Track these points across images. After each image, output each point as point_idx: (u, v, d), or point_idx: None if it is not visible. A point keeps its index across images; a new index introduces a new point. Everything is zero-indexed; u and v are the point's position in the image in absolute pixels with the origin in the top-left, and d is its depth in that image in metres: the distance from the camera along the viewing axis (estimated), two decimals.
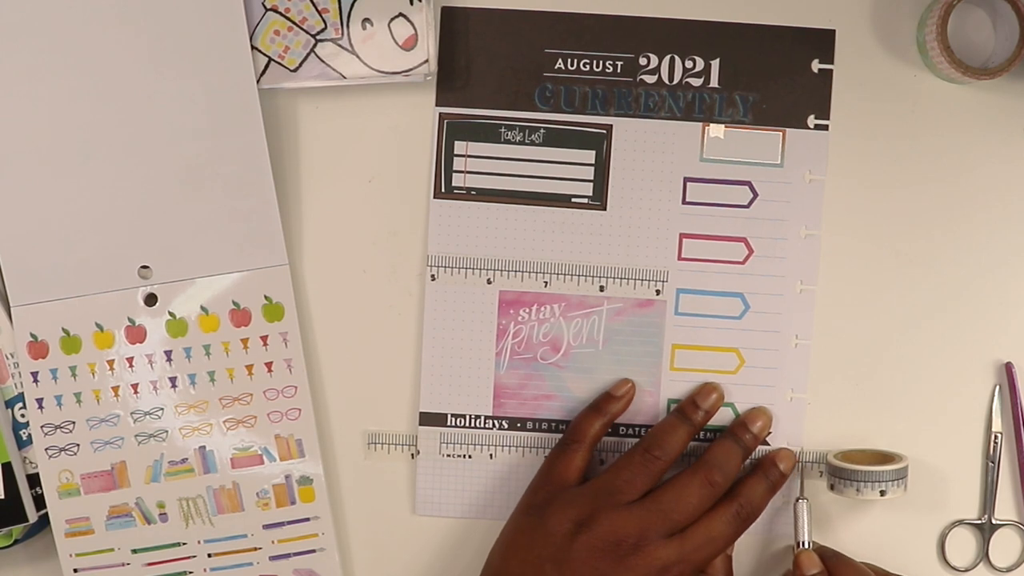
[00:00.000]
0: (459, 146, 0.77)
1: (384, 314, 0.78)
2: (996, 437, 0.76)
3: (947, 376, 0.77)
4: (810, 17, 0.76)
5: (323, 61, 0.76)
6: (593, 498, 0.71)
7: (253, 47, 0.75)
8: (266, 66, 0.76)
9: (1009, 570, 0.77)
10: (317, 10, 0.75)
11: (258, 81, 0.75)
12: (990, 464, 0.76)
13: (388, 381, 0.78)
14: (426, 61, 0.76)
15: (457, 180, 0.77)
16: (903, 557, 0.77)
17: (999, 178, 0.77)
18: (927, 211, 0.77)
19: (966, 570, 0.77)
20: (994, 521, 0.76)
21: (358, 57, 0.76)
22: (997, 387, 0.77)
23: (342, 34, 0.76)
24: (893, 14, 0.77)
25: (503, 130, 0.77)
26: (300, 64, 0.76)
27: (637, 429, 0.77)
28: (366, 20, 0.76)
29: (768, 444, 0.77)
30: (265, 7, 0.75)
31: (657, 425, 0.75)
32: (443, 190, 0.77)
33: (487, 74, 0.77)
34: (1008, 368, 0.77)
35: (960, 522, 0.77)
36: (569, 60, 0.76)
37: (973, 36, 0.77)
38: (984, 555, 0.77)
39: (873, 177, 0.77)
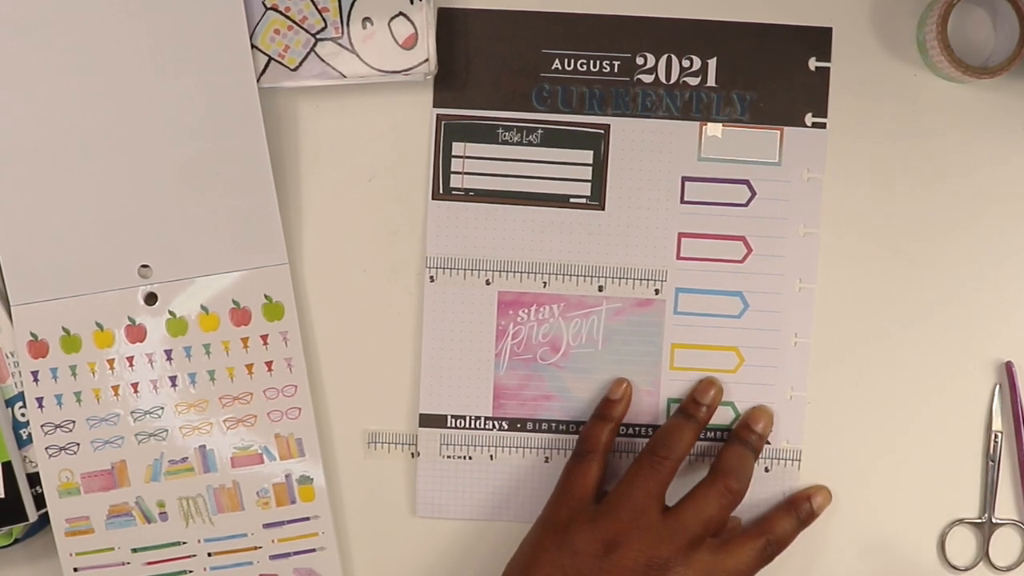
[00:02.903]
0: (457, 147, 0.80)
1: (384, 314, 0.81)
2: (996, 436, 0.79)
3: (947, 376, 0.79)
4: (807, 15, 0.79)
5: (323, 60, 0.79)
6: (616, 516, 0.74)
7: (253, 46, 0.78)
8: (266, 65, 0.79)
9: (1009, 569, 0.79)
10: (317, 9, 0.78)
11: (258, 80, 0.78)
12: (990, 463, 0.78)
13: (388, 381, 0.81)
14: (426, 60, 0.78)
15: (455, 181, 0.80)
16: (903, 557, 0.79)
17: (999, 178, 0.79)
18: (926, 210, 0.79)
19: (966, 569, 0.79)
20: (994, 520, 0.78)
21: (358, 56, 0.79)
22: (997, 386, 0.79)
23: (342, 33, 0.79)
24: (891, 12, 0.79)
25: (501, 131, 0.80)
26: (300, 63, 0.79)
27: (639, 429, 0.80)
28: (366, 19, 0.79)
29: (769, 443, 0.79)
30: (265, 6, 0.78)
31: (661, 428, 0.78)
32: (441, 191, 0.80)
33: (484, 75, 0.80)
34: (1008, 367, 0.79)
35: (960, 521, 0.79)
36: (566, 60, 0.79)
37: (973, 35, 0.79)
38: (984, 554, 0.79)
39: (871, 175, 0.79)
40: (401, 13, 0.78)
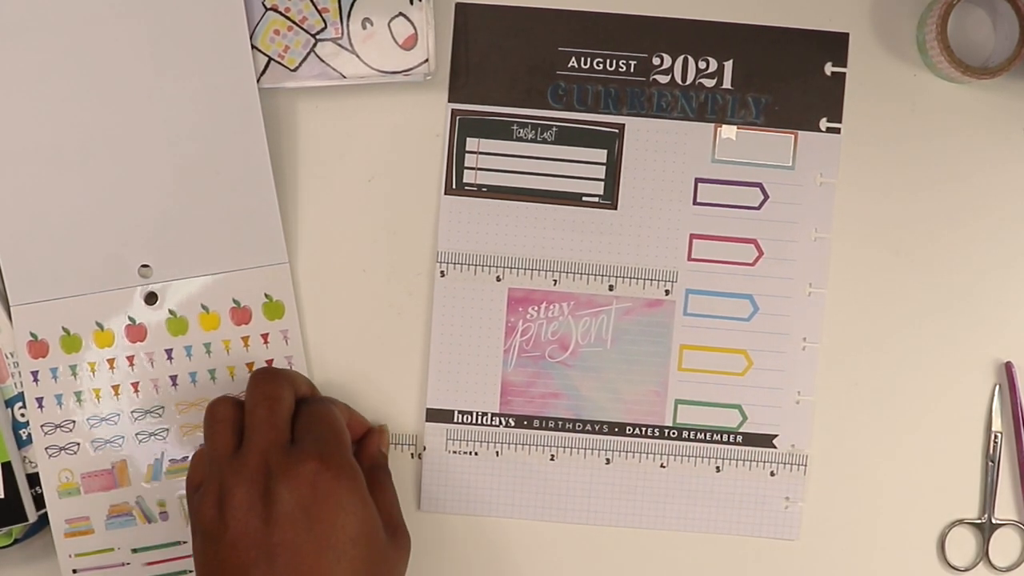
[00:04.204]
0: (471, 143, 0.81)
1: (384, 313, 0.83)
2: (996, 437, 0.83)
3: (947, 376, 0.83)
4: (824, 20, 0.81)
5: (323, 61, 0.80)
6: (212, 472, 0.73)
7: (253, 46, 0.79)
8: (266, 66, 0.79)
9: (1009, 570, 0.83)
10: (317, 9, 0.79)
11: (258, 81, 0.79)
12: (990, 464, 0.83)
13: (388, 380, 0.83)
14: (426, 60, 0.80)
15: (468, 177, 0.82)
16: (903, 557, 0.83)
17: (1001, 178, 0.83)
18: (935, 213, 0.83)
19: (966, 570, 0.83)
20: (994, 521, 0.83)
21: (358, 57, 0.80)
22: (997, 387, 0.83)
23: (342, 33, 0.79)
24: (906, 18, 0.82)
25: (515, 127, 0.81)
26: (300, 64, 0.80)
27: (645, 429, 0.83)
28: (366, 19, 0.79)
29: (775, 447, 0.82)
30: (265, 6, 0.79)
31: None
32: (454, 186, 0.82)
33: (500, 71, 0.81)
34: (1008, 368, 0.83)
35: (960, 522, 0.83)
36: (582, 59, 0.81)
37: (973, 35, 0.82)
38: (984, 555, 0.83)
39: (884, 180, 0.82)
40: (401, 13, 0.79)
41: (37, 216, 0.78)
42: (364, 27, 0.79)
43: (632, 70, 0.81)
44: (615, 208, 0.82)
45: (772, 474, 0.83)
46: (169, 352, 0.81)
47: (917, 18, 0.82)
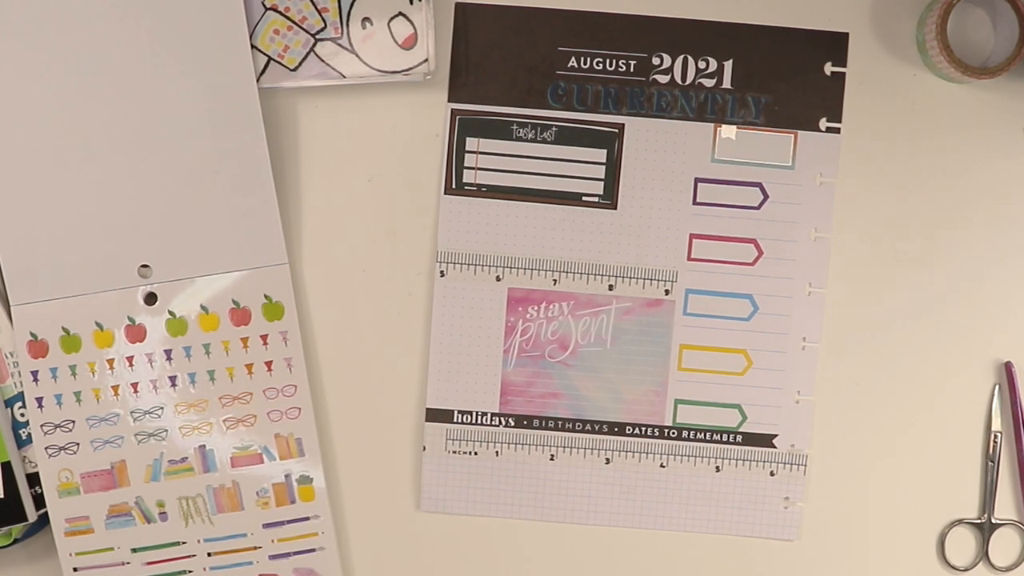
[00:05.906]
0: (471, 142, 0.84)
1: (384, 313, 0.85)
2: (996, 436, 0.85)
3: (947, 376, 0.85)
4: (824, 20, 0.83)
5: (323, 60, 0.82)
6: None
7: (253, 46, 0.81)
8: (266, 65, 0.82)
9: (1009, 569, 0.86)
10: (317, 9, 0.82)
11: (258, 80, 0.82)
12: (990, 463, 0.85)
13: (388, 380, 0.86)
14: (425, 60, 0.82)
15: (468, 176, 0.84)
16: (903, 557, 0.86)
17: (1000, 178, 0.85)
18: (935, 213, 0.85)
19: (966, 569, 0.86)
20: (994, 520, 0.85)
21: (358, 56, 0.82)
22: (997, 387, 0.85)
23: (342, 33, 0.82)
24: (906, 18, 0.84)
25: (515, 127, 0.84)
26: (300, 63, 0.82)
27: (645, 429, 0.85)
28: (366, 19, 0.82)
29: (775, 446, 0.85)
30: (265, 6, 0.81)
31: None
32: (453, 186, 0.84)
33: (500, 71, 0.83)
34: (1008, 367, 0.85)
35: (960, 521, 0.85)
36: (582, 58, 0.83)
37: (973, 35, 0.85)
38: (984, 554, 0.85)
39: (884, 180, 0.85)
40: (400, 13, 0.82)
41: (37, 216, 0.81)
42: (364, 27, 0.82)
43: (632, 70, 0.83)
44: (615, 208, 0.84)
45: (772, 474, 0.85)
46: (168, 353, 0.83)
47: (917, 18, 0.84)
